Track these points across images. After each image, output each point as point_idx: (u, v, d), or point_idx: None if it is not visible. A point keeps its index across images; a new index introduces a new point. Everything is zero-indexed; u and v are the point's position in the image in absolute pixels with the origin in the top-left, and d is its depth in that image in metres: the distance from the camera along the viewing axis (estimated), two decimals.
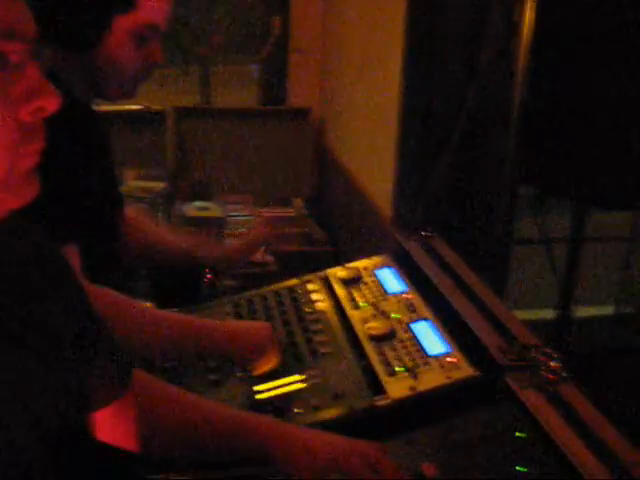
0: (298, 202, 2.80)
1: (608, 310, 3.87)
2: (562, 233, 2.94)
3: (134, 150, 2.74)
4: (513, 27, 1.95)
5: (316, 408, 1.34)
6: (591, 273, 3.40)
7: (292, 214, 2.72)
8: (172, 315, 1.49)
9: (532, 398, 1.23)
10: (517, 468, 1.11)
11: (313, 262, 2.11)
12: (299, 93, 3.05)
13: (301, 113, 2.96)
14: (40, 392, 0.85)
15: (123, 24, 1.36)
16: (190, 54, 4.27)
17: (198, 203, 2.59)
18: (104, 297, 1.30)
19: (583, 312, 3.62)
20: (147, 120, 2.84)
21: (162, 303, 1.86)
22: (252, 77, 3.65)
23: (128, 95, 1.46)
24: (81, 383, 0.96)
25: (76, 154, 1.34)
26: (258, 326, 1.51)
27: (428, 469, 1.13)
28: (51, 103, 0.71)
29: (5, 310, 0.82)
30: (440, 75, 1.99)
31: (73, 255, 1.30)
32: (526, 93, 2.02)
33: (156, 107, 2.85)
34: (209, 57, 3.50)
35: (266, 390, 1.42)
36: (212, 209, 2.55)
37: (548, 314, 3.09)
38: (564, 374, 1.30)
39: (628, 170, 2.17)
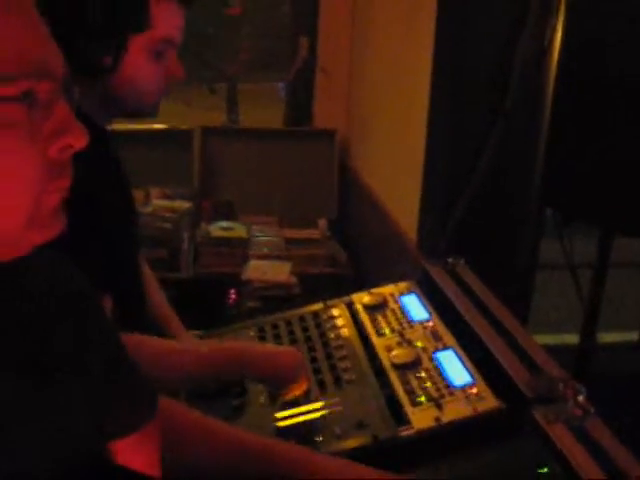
0: (322, 223, 2.80)
1: (633, 336, 3.83)
2: (587, 258, 2.91)
3: (160, 169, 2.75)
4: (542, 54, 1.95)
5: (339, 437, 1.33)
6: (616, 298, 3.37)
7: (316, 236, 2.72)
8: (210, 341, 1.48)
9: (559, 433, 1.22)
10: None
11: (336, 284, 2.11)
12: (325, 114, 3.06)
13: (327, 134, 2.97)
14: (63, 420, 0.85)
15: (138, 42, 1.33)
16: (217, 72, 4.29)
17: (223, 223, 2.60)
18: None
19: (608, 338, 3.59)
20: (173, 139, 2.86)
21: (186, 325, 1.86)
22: (279, 95, 3.67)
23: (150, 113, 1.44)
24: (106, 412, 0.96)
25: (98, 184, 1.33)
26: (291, 350, 1.51)
27: None
28: (79, 140, 0.72)
29: (28, 340, 0.82)
30: (469, 98, 1.99)
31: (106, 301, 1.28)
32: (552, 118, 2.02)
33: (183, 126, 2.87)
34: (236, 75, 3.51)
35: (289, 417, 1.42)
36: (236, 229, 2.56)
37: (572, 339, 3.07)
38: (591, 409, 1.29)
39: None
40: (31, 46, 0.68)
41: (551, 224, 2.64)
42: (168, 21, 1.37)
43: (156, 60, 1.37)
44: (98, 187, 1.31)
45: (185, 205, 2.58)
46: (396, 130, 2.41)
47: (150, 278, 1.73)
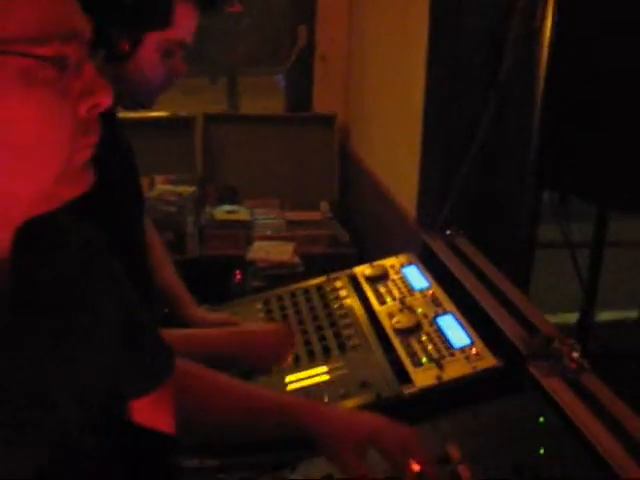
0: (324, 206, 2.85)
1: (632, 314, 3.88)
2: (585, 239, 2.95)
3: (164, 156, 2.80)
4: (534, 34, 2.00)
5: (344, 396, 1.39)
6: (615, 277, 3.41)
7: (318, 217, 2.77)
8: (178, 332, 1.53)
9: (555, 386, 1.27)
10: (540, 451, 1.15)
11: (339, 263, 2.15)
12: (324, 100, 3.10)
13: (326, 119, 3.02)
14: (88, 371, 0.90)
15: (154, 38, 1.38)
16: (216, 64, 4.33)
17: (227, 207, 2.65)
18: None
19: (607, 316, 3.64)
20: (176, 126, 2.90)
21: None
22: (278, 87, 3.71)
23: (147, 105, 1.49)
24: (128, 367, 1.01)
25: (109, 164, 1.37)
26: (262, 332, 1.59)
27: (453, 451, 1.18)
28: (105, 99, 0.77)
29: (58, 294, 0.87)
30: (463, 79, 2.04)
31: None
32: (548, 97, 2.06)
33: (184, 113, 2.92)
34: (235, 66, 3.56)
35: (296, 381, 1.48)
36: (240, 212, 2.61)
37: (571, 318, 3.11)
38: (586, 364, 1.34)
39: None
40: (63, 11, 0.73)
41: (548, 209, 2.69)
42: (186, 25, 1.42)
43: (165, 58, 1.42)
44: (109, 168, 1.36)
45: (189, 189, 2.64)
46: (394, 111, 2.46)
47: (161, 251, 1.78)
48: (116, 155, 1.48)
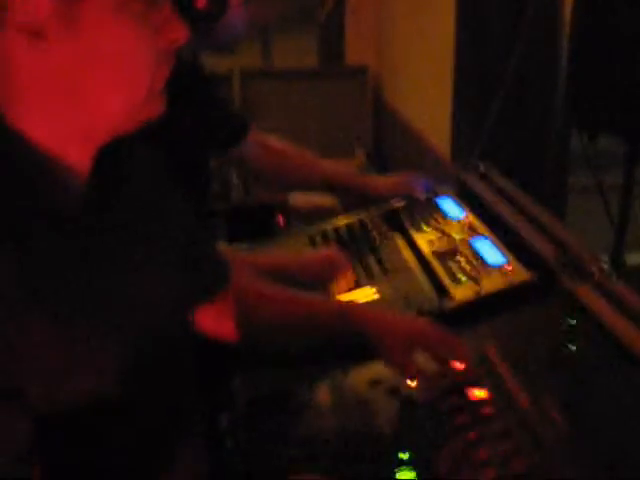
0: (360, 154, 2.95)
1: None
2: (616, 180, 3.00)
3: None
4: None
5: None
6: None
7: (354, 165, 2.87)
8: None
9: (584, 293, 1.37)
10: (569, 346, 1.25)
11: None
12: (356, 53, 3.19)
13: (359, 71, 3.11)
14: (155, 276, 1.02)
15: None
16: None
17: None
18: None
19: (637, 258, 3.69)
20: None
21: (237, 240, 2.03)
22: (310, 47, 3.79)
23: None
24: (189, 277, 1.13)
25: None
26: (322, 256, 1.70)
27: (491, 352, 1.28)
28: (182, 35, 0.88)
29: (132, 209, 0.99)
30: (492, 19, 2.11)
31: None
32: (576, 30, 2.12)
33: (222, 69, 3.01)
34: (268, 27, 3.64)
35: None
36: None
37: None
38: (614, 276, 1.43)
39: None
40: None
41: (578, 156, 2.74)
42: None
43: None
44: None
45: None
46: (424, 58, 2.55)
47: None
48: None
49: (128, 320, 0.92)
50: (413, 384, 1.22)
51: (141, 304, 0.95)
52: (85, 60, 0.82)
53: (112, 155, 0.94)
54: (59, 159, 0.86)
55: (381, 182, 2.06)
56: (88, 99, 0.85)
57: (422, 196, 1.89)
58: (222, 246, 1.81)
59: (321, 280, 1.65)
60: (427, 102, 2.52)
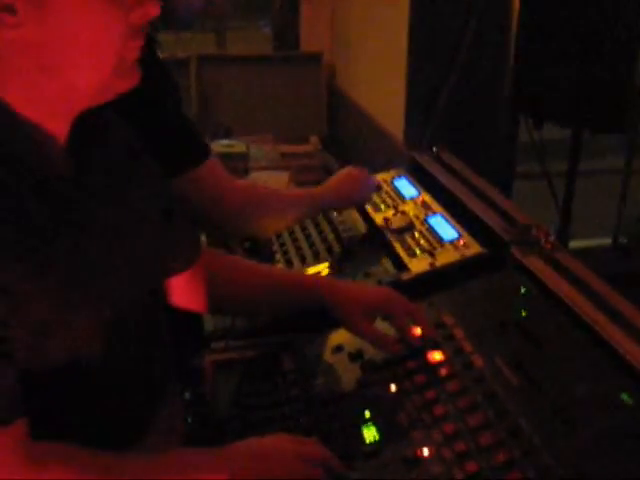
0: (314, 139, 3.00)
1: (606, 241, 4.07)
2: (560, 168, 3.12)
3: None
4: None
5: None
6: (589, 206, 3.60)
7: (309, 149, 2.93)
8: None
9: (534, 263, 1.45)
10: (522, 313, 1.33)
11: None
12: (311, 39, 3.25)
13: (313, 57, 3.16)
14: (139, 242, 1.07)
15: None
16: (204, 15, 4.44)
17: (223, 141, 2.80)
18: None
19: (581, 244, 3.83)
20: (171, 67, 3.02)
21: None
22: (264, 36, 3.84)
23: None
24: (167, 242, 1.18)
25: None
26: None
27: (447, 318, 1.36)
28: (154, 9, 0.93)
29: (112, 175, 1.04)
30: (446, 7, 2.18)
31: None
32: (523, 22, 2.22)
33: (180, 55, 3.04)
34: (223, 17, 3.68)
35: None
36: (236, 146, 2.76)
37: None
38: (560, 246, 1.52)
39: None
40: None
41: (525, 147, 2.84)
42: None
43: None
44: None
45: None
46: (379, 45, 2.61)
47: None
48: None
49: (106, 282, 0.97)
50: (375, 349, 1.29)
51: (118, 267, 1.00)
52: (55, 36, 0.87)
53: (88, 125, 0.99)
54: (38, 127, 0.91)
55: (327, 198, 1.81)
56: (60, 72, 0.90)
57: (369, 197, 1.89)
58: None
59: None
60: (381, 89, 2.59)
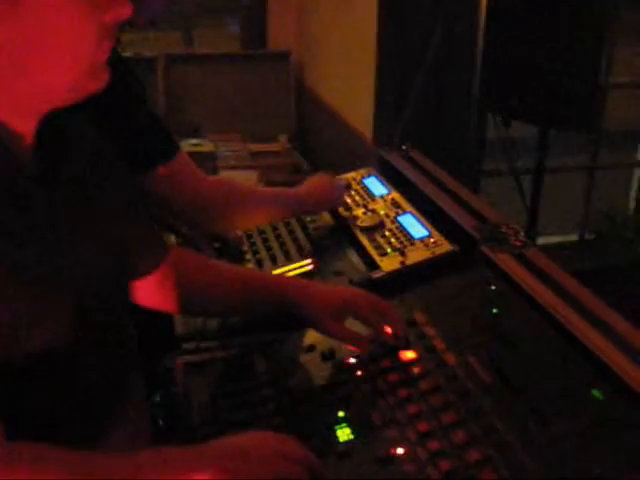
0: (283, 138, 3.00)
1: (572, 237, 4.14)
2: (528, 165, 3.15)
3: None
4: None
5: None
6: (556, 203, 3.65)
7: (278, 148, 2.92)
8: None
9: (504, 260, 1.47)
10: (493, 311, 1.34)
11: None
12: (279, 38, 3.24)
13: (281, 56, 3.16)
14: (107, 233, 1.06)
15: None
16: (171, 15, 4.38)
17: (192, 140, 2.78)
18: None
19: (548, 239, 3.88)
20: (138, 67, 2.99)
21: None
22: (232, 34, 3.82)
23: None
24: (134, 242, 1.17)
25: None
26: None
27: (419, 316, 1.36)
28: (126, 11, 0.92)
29: (79, 172, 1.03)
30: (414, 8, 2.20)
31: None
32: (489, 24, 2.24)
33: (147, 54, 3.02)
34: (190, 17, 3.64)
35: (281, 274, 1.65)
36: (204, 145, 2.74)
37: None
38: (529, 243, 1.54)
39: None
40: None
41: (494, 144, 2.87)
42: None
43: None
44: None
45: None
46: (348, 44, 2.61)
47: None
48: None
49: (73, 280, 0.96)
50: (347, 348, 1.29)
51: (84, 265, 0.99)
52: (27, 36, 0.85)
53: (54, 124, 0.98)
54: (6, 125, 0.90)
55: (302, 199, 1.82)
56: (33, 72, 0.89)
57: (341, 203, 1.88)
58: None
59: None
60: (350, 88, 2.60)
